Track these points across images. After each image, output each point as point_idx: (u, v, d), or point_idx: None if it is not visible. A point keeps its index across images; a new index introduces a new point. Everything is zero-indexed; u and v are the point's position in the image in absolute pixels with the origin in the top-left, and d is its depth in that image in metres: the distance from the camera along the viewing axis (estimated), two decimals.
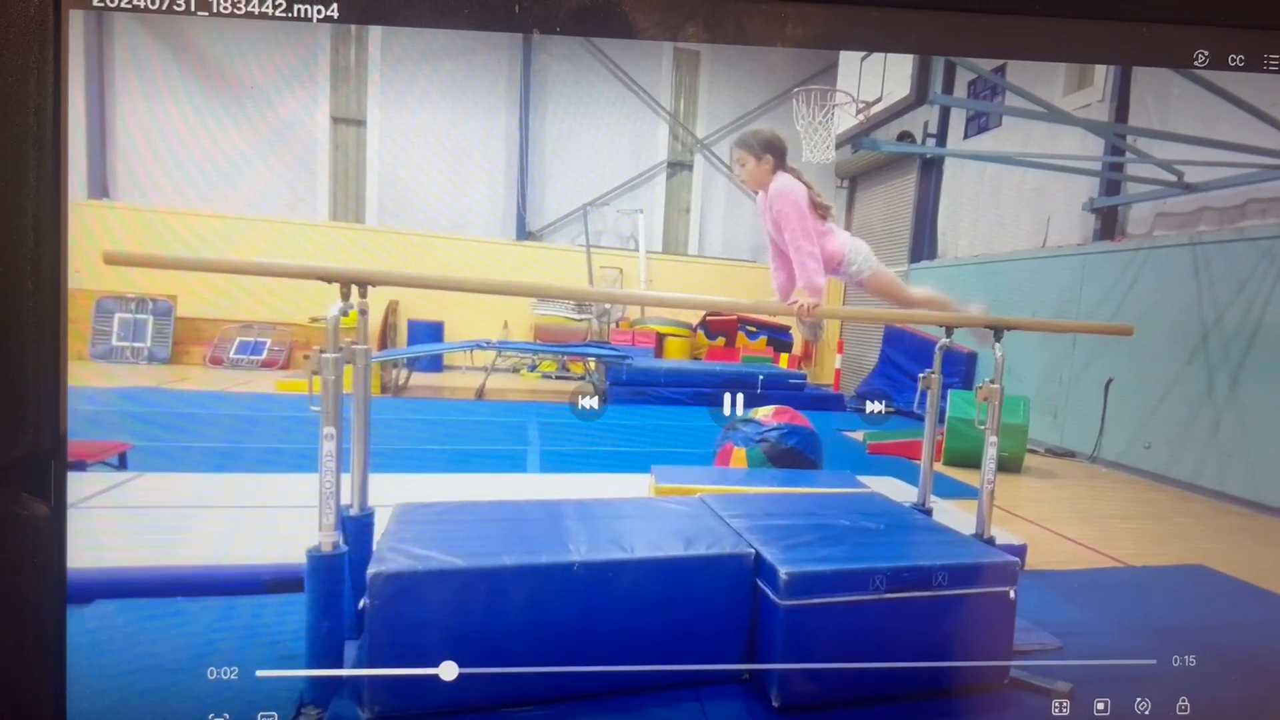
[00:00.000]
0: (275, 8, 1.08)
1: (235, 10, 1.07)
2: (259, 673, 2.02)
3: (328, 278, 2.26)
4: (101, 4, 1.04)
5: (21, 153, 1.00)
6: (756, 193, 2.93)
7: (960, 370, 8.78)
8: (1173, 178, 6.25)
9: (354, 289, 2.27)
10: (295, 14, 1.07)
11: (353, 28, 11.92)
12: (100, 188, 11.21)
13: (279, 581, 2.85)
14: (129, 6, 1.07)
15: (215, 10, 1.06)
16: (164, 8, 1.06)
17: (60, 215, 1.02)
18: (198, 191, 11.27)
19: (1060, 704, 2.34)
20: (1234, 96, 4.89)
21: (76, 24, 1.02)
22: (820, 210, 2.93)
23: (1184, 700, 2.47)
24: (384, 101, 12.16)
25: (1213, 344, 5.89)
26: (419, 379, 10.12)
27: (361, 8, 1.08)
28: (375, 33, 11.94)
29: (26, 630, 1.08)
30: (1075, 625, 3.02)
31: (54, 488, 1.07)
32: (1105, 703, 2.38)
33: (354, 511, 2.49)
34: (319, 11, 1.09)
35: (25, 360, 1.02)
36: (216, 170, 11.44)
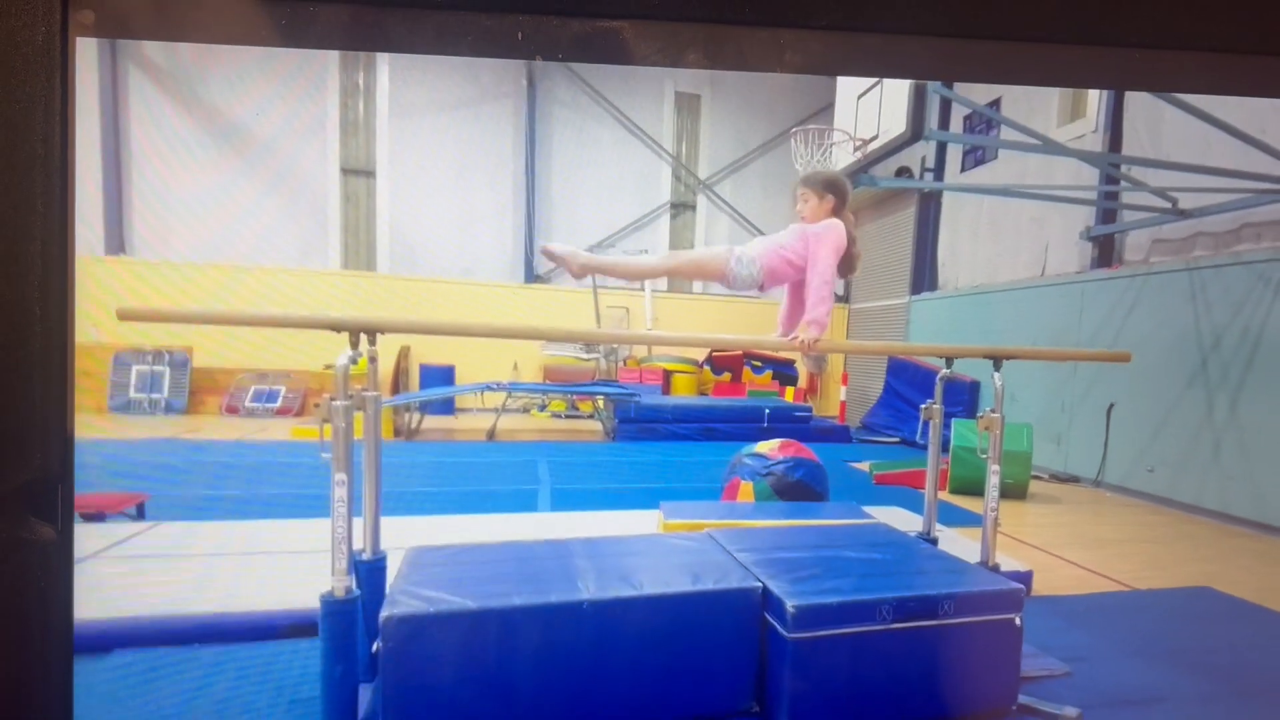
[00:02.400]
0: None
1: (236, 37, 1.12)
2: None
3: (336, 327, 2.29)
4: (107, 32, 1.09)
5: (30, 180, 1.02)
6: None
7: (964, 399, 8.79)
8: (1167, 204, 6.31)
9: (363, 337, 2.31)
10: (297, 42, 1.12)
11: (360, 81, 12.17)
12: (117, 244, 11.40)
13: (293, 627, 2.88)
14: (132, 35, 1.13)
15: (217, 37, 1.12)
16: (168, 36, 1.12)
17: (68, 241, 1.06)
18: (213, 244, 11.47)
19: None
20: (1225, 124, 4.95)
21: (83, 52, 1.08)
22: (848, 263, 2.97)
23: None
24: (392, 153, 12.36)
25: (1211, 367, 5.91)
26: (431, 422, 10.18)
27: (364, 37, 1.12)
28: (383, 86, 12.17)
29: (35, 655, 1.11)
30: (1083, 650, 3.03)
31: (61, 512, 1.10)
32: None
33: (366, 556, 2.52)
34: (321, 40, 1.12)
35: (33, 384, 1.05)
36: (230, 223, 11.66)
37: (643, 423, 9.33)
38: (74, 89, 1.04)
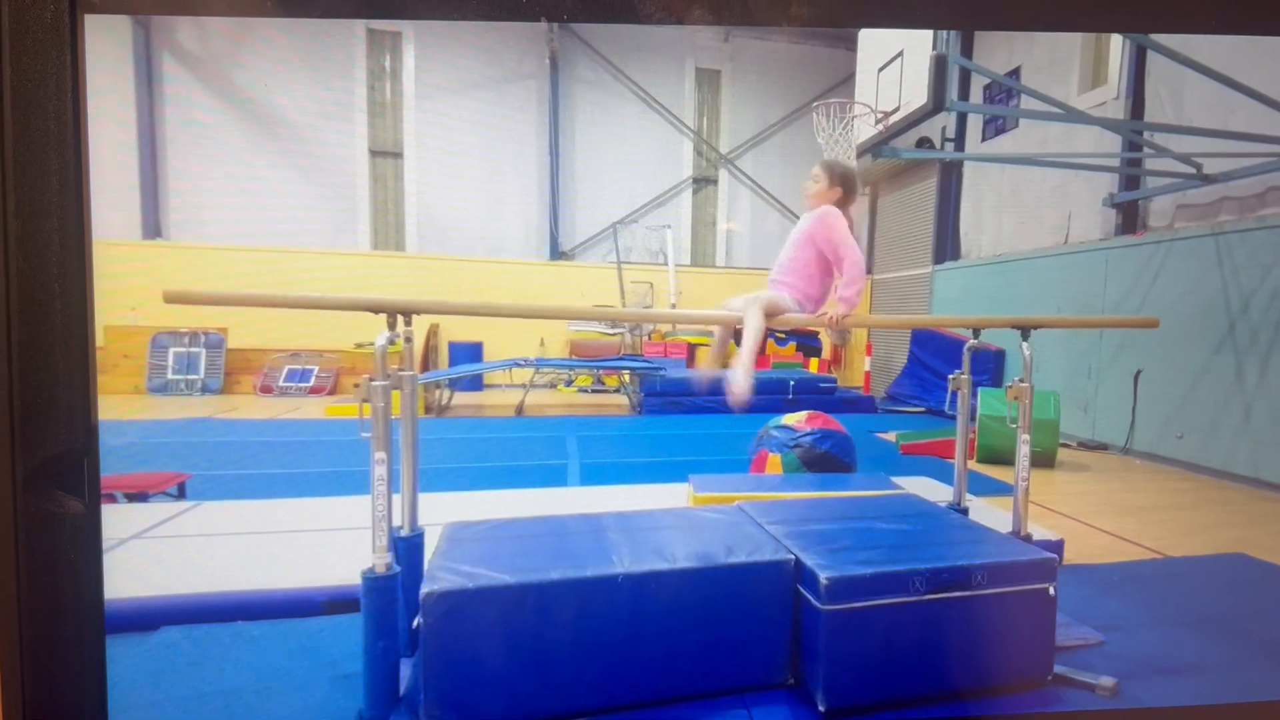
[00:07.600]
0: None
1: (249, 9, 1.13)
2: None
3: (375, 309, 2.32)
4: (116, 8, 1.10)
5: (44, 155, 1.04)
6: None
7: (989, 368, 8.76)
8: (1191, 170, 6.23)
9: (399, 317, 2.34)
10: (304, 11, 1.13)
11: (387, 64, 12.29)
12: (154, 228, 11.57)
13: (334, 603, 2.93)
14: (140, 10, 1.14)
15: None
16: (175, 10, 1.13)
17: (84, 215, 1.07)
18: (246, 228, 11.70)
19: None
20: (1247, 88, 4.88)
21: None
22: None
23: (1230, 688, 2.47)
24: (419, 134, 12.49)
25: (1240, 332, 5.85)
26: (461, 398, 10.27)
27: (371, 4, 1.13)
28: (409, 68, 12.27)
29: (69, 626, 1.14)
30: (1117, 619, 3.02)
31: (88, 485, 1.12)
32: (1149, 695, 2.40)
33: (405, 532, 2.56)
34: (327, 9, 1.13)
35: (55, 360, 1.07)
36: (263, 207, 11.88)
37: (668, 396, 9.37)
38: (84, 66, 1.06)
